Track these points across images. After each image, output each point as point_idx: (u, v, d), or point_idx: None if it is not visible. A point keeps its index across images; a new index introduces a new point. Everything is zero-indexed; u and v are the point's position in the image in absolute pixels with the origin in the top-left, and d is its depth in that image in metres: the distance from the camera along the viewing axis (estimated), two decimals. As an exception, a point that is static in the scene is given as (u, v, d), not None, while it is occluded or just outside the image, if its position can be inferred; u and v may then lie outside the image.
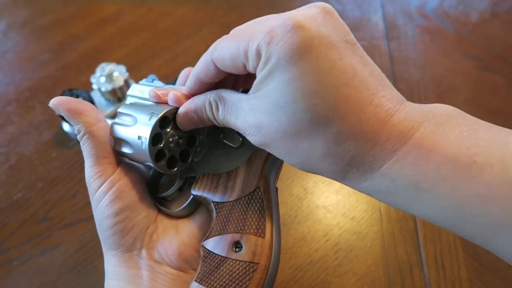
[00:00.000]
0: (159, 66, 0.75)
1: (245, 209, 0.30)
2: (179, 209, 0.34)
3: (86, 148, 0.32)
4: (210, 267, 0.29)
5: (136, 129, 0.31)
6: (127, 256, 0.32)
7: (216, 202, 0.31)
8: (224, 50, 0.26)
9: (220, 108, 0.28)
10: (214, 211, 0.31)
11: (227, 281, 0.28)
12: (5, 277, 0.50)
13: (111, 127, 0.33)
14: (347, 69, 0.23)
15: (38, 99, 0.71)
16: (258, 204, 0.30)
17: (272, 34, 0.23)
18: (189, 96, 0.32)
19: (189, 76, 0.30)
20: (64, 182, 0.59)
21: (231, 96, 0.28)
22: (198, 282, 0.29)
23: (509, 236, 0.21)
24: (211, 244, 0.30)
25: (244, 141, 0.32)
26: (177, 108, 0.32)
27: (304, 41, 0.22)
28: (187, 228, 0.34)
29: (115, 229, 0.32)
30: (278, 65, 0.23)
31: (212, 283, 0.28)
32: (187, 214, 0.35)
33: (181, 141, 0.33)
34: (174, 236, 0.34)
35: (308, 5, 0.25)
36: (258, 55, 0.23)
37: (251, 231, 0.29)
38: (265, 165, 0.31)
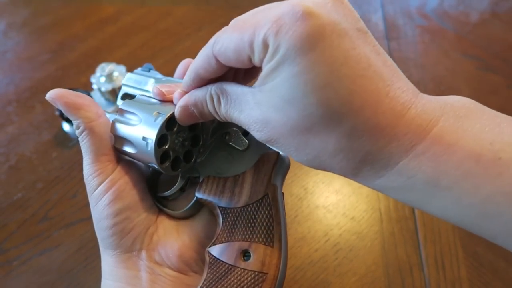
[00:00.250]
0: (159, 66, 0.75)
1: (253, 217, 0.29)
2: (182, 210, 0.33)
3: (85, 145, 0.31)
4: (217, 275, 0.28)
5: (141, 129, 0.29)
6: (125, 257, 0.31)
7: (222, 207, 0.30)
8: (227, 43, 0.24)
9: (222, 102, 0.26)
10: (220, 216, 0.30)
11: None
12: (5, 277, 0.50)
13: (112, 124, 0.31)
14: (361, 59, 0.21)
15: (38, 99, 0.71)
16: (266, 212, 0.29)
17: (280, 23, 0.21)
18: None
19: (186, 72, 0.29)
20: (64, 182, 0.59)
21: (234, 89, 0.26)
22: None
23: None
24: (217, 250, 0.29)
25: (250, 144, 0.32)
26: None
27: (315, 30, 0.20)
28: (189, 230, 0.33)
29: (114, 230, 0.31)
30: (287, 56, 0.21)
31: None
32: (189, 215, 0.34)
33: (186, 143, 0.32)
34: (176, 237, 0.33)
35: None
36: (265, 46, 0.22)
37: (260, 239, 0.28)
38: (273, 172, 0.30)
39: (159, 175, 0.37)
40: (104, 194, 0.31)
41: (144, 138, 0.29)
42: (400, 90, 0.22)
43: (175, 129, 0.31)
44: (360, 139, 0.22)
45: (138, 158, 0.31)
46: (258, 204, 0.29)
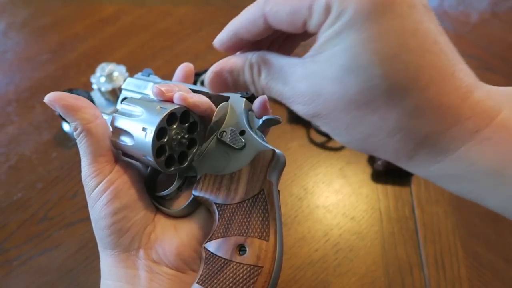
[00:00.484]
0: (159, 66, 0.75)
1: (248, 212, 0.29)
2: (179, 209, 0.34)
3: (83, 146, 0.31)
4: (213, 269, 0.28)
5: (142, 120, 0.30)
6: (124, 256, 0.32)
7: (218, 204, 0.31)
8: (282, 3, 0.22)
9: (263, 72, 0.25)
10: (217, 213, 0.31)
11: (230, 284, 0.27)
12: (5, 277, 0.50)
13: (113, 117, 0.32)
14: (429, 33, 0.20)
15: (38, 99, 0.71)
16: (262, 207, 0.29)
17: None
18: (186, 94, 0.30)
19: (223, 29, 0.26)
20: (64, 182, 0.59)
21: (279, 60, 0.24)
22: (201, 284, 0.28)
23: None
24: (213, 246, 0.29)
25: (247, 143, 0.32)
26: (185, 107, 0.31)
27: None
28: (187, 228, 0.34)
29: (112, 229, 0.31)
30: (353, 22, 0.19)
31: (215, 285, 0.28)
32: (187, 214, 0.35)
33: (183, 141, 0.32)
34: (173, 236, 0.33)
35: None
36: (328, 9, 0.20)
37: (255, 234, 0.28)
38: (268, 168, 0.31)
39: (157, 175, 0.37)
40: (102, 194, 0.31)
41: (144, 129, 0.30)
42: (463, 72, 0.21)
43: (175, 126, 0.31)
44: (422, 118, 0.20)
45: (134, 152, 0.31)
46: (254, 200, 0.30)
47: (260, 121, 0.33)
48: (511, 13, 0.83)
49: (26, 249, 0.52)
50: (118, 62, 0.65)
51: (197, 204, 0.34)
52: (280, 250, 0.29)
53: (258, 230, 0.29)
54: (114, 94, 0.63)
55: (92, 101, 0.63)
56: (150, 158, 0.30)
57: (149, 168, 0.36)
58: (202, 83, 0.67)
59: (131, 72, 0.66)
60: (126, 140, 0.31)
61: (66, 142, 0.63)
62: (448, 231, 0.51)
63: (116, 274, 0.31)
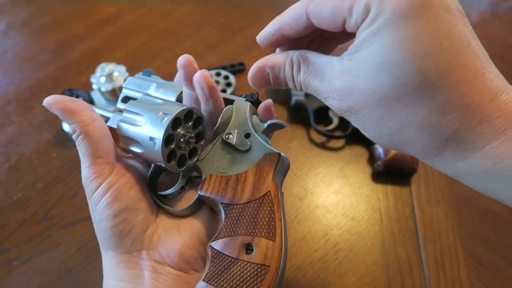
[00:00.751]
0: (159, 66, 0.75)
1: (255, 213, 0.30)
2: (183, 208, 0.34)
3: (81, 148, 0.31)
4: (220, 268, 0.29)
5: (147, 129, 0.30)
6: (126, 257, 0.32)
7: (225, 203, 0.31)
8: (324, 2, 0.23)
9: (302, 69, 0.26)
10: (223, 212, 0.31)
11: (238, 282, 0.28)
12: (5, 277, 0.50)
13: (118, 125, 0.32)
14: (462, 36, 0.21)
15: (38, 99, 0.71)
16: (268, 208, 0.30)
17: None
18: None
19: (267, 26, 0.28)
20: (64, 182, 0.59)
21: (318, 57, 0.26)
22: (207, 282, 0.29)
23: None
24: (220, 245, 0.30)
25: (252, 145, 0.33)
26: (188, 108, 0.32)
27: None
28: (189, 229, 0.34)
29: (113, 231, 0.31)
30: (390, 22, 0.21)
31: (221, 283, 0.28)
32: (190, 213, 0.35)
33: (191, 140, 0.33)
34: (176, 236, 0.33)
35: None
36: (367, 9, 0.21)
37: (262, 234, 0.29)
38: (275, 170, 0.31)
39: (159, 174, 0.37)
40: (102, 196, 0.31)
41: (151, 138, 0.30)
42: (494, 75, 0.22)
43: (180, 127, 0.32)
44: (450, 115, 0.21)
45: (145, 157, 0.32)
46: (261, 201, 0.30)
47: (265, 125, 0.34)
48: (511, 13, 0.83)
49: (26, 249, 0.52)
50: (118, 62, 0.65)
51: (200, 203, 0.35)
52: (285, 250, 0.30)
53: (265, 230, 0.29)
54: (114, 94, 0.63)
55: (92, 101, 0.63)
56: (163, 164, 0.31)
57: (151, 167, 0.36)
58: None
59: (131, 72, 0.66)
60: (135, 148, 0.32)
61: (66, 142, 0.63)
62: (448, 231, 0.51)
63: (119, 274, 0.32)
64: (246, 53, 0.75)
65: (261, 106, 0.35)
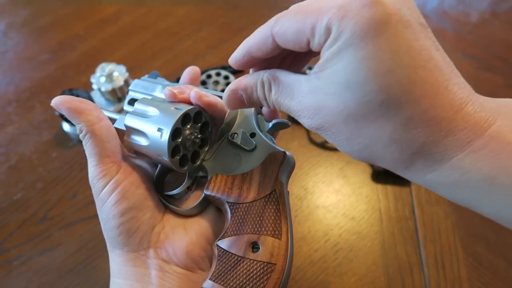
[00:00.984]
0: (159, 66, 0.75)
1: (261, 211, 0.30)
2: (190, 207, 0.34)
3: (88, 148, 0.32)
4: (226, 266, 0.29)
5: (157, 121, 0.31)
6: (133, 256, 0.32)
7: (231, 202, 0.31)
8: (288, 24, 0.24)
9: (273, 89, 0.27)
10: (229, 211, 0.31)
11: (244, 280, 0.28)
12: (5, 277, 0.50)
13: (126, 116, 0.33)
14: (423, 51, 0.21)
15: (38, 99, 0.71)
16: (274, 207, 0.30)
17: (347, 8, 0.21)
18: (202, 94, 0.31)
19: (237, 48, 0.28)
20: (64, 182, 0.59)
21: (287, 77, 0.26)
22: (213, 281, 0.29)
23: None
24: (226, 243, 0.30)
25: (257, 145, 0.33)
26: (198, 108, 0.32)
27: (382, 17, 0.21)
28: (196, 228, 0.34)
29: (121, 229, 0.31)
30: (351, 42, 0.21)
31: (228, 281, 0.28)
32: (196, 213, 0.35)
33: (196, 140, 0.33)
34: (183, 235, 0.34)
35: None
36: (328, 30, 0.22)
37: (268, 232, 0.29)
38: (280, 170, 0.32)
39: (166, 174, 0.38)
40: (110, 195, 0.31)
41: (159, 129, 0.30)
42: (458, 86, 0.22)
43: (189, 126, 0.32)
44: (416, 129, 0.22)
45: (149, 151, 0.32)
46: (266, 200, 0.31)
47: (270, 125, 0.34)
48: (511, 13, 0.83)
49: (26, 249, 0.52)
50: (118, 62, 0.65)
51: (206, 203, 0.35)
52: (291, 249, 0.30)
53: (271, 228, 0.30)
54: (114, 94, 0.63)
55: (92, 101, 0.63)
56: (166, 158, 0.31)
57: (158, 167, 0.36)
58: (202, 83, 0.67)
59: (131, 72, 0.66)
60: (140, 140, 0.32)
61: (66, 142, 0.63)
62: (448, 231, 0.51)
63: (126, 272, 0.32)
64: (246, 53, 0.75)
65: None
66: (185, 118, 0.32)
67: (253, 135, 0.34)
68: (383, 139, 0.23)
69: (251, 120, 0.34)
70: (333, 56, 0.22)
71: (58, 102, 0.31)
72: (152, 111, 0.32)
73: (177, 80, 0.40)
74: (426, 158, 0.23)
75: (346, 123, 0.23)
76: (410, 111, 0.21)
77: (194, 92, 0.32)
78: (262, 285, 0.28)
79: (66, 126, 0.64)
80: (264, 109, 0.35)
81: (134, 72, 0.69)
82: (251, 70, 0.30)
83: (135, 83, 0.38)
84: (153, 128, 0.31)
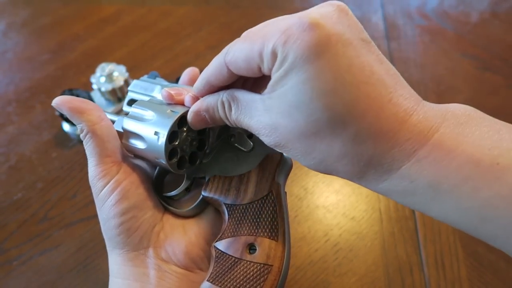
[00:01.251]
0: (159, 66, 0.75)
1: (258, 213, 0.30)
2: (188, 209, 0.34)
3: (89, 147, 0.32)
4: (223, 268, 0.29)
5: (153, 124, 0.31)
6: (133, 255, 0.32)
7: (228, 204, 0.31)
8: (238, 52, 0.25)
9: (233, 108, 0.28)
10: (226, 213, 0.31)
11: (241, 282, 0.28)
12: (5, 277, 0.50)
13: (124, 120, 0.33)
14: (364, 67, 0.22)
15: (38, 99, 0.71)
16: (271, 208, 0.30)
17: (288, 33, 0.22)
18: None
19: (198, 78, 0.30)
20: (64, 182, 0.59)
21: (245, 96, 0.27)
22: (211, 282, 0.29)
23: None
24: (223, 245, 0.30)
25: (255, 146, 0.33)
26: None
27: (321, 39, 0.22)
28: (195, 228, 0.34)
29: (121, 229, 0.31)
30: (295, 65, 0.22)
31: (225, 283, 0.28)
32: (195, 214, 0.35)
33: (194, 142, 0.33)
34: (182, 235, 0.34)
35: (322, 4, 0.24)
36: (274, 55, 0.23)
37: (265, 234, 0.29)
38: (277, 171, 0.32)
39: (165, 176, 0.38)
40: (110, 194, 0.31)
41: (156, 133, 0.30)
42: (403, 98, 0.23)
43: (185, 128, 0.32)
44: (364, 143, 0.23)
45: (146, 154, 0.32)
46: (263, 201, 0.31)
47: None
48: (511, 13, 0.83)
49: (26, 249, 0.52)
50: (118, 62, 0.65)
51: (205, 204, 0.35)
52: (289, 250, 0.30)
53: (267, 230, 0.30)
54: (114, 94, 0.63)
55: (92, 101, 0.63)
56: (163, 161, 0.31)
57: (157, 168, 0.36)
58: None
59: (131, 72, 0.66)
60: (138, 144, 0.32)
61: (66, 142, 0.63)
62: (448, 231, 0.51)
63: (125, 272, 0.32)
64: (246, 53, 0.75)
65: None
66: (181, 121, 0.31)
67: (251, 136, 0.34)
68: (334, 154, 0.24)
69: None
70: (280, 78, 0.23)
71: (59, 102, 0.32)
72: (149, 114, 0.32)
73: (177, 80, 0.40)
74: (377, 169, 0.24)
75: (299, 140, 0.24)
76: (356, 127, 0.22)
77: (188, 97, 0.32)
78: (258, 286, 0.28)
79: (66, 126, 0.64)
80: None
81: (134, 72, 0.69)
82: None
83: (134, 84, 0.38)
84: (150, 131, 0.31)
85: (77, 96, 0.61)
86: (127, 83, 0.64)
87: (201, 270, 0.34)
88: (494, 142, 0.22)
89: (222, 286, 0.28)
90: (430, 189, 0.22)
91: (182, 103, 0.33)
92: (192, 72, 0.40)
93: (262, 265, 0.28)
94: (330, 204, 0.55)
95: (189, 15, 0.86)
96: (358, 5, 0.86)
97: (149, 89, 0.37)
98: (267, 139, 0.26)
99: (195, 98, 0.32)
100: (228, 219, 0.31)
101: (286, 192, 0.33)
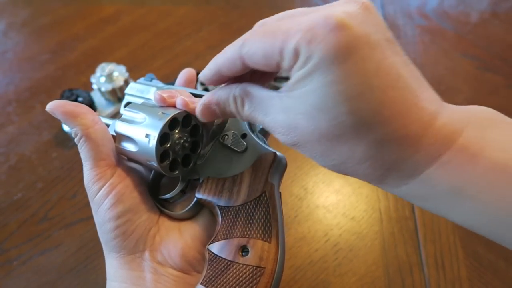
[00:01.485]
0: (159, 66, 0.75)
1: (251, 214, 0.30)
2: (183, 211, 0.34)
3: (83, 151, 0.32)
4: (217, 271, 0.29)
5: (145, 127, 0.31)
6: (129, 259, 0.32)
7: (221, 206, 0.31)
8: (255, 47, 0.24)
9: (246, 104, 0.27)
10: (220, 215, 0.31)
11: (234, 285, 0.28)
12: (5, 277, 0.50)
13: (116, 123, 0.32)
14: (391, 70, 0.22)
15: (38, 99, 0.71)
16: (264, 210, 0.30)
17: (313, 33, 0.21)
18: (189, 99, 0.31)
19: (207, 66, 0.29)
20: (64, 182, 0.59)
21: (259, 93, 0.26)
22: (204, 285, 0.29)
23: None
24: (216, 247, 0.30)
25: (248, 146, 0.33)
26: (187, 112, 0.32)
27: (348, 41, 0.21)
28: (190, 230, 0.34)
29: (116, 232, 0.31)
30: (319, 66, 0.21)
31: (218, 286, 0.28)
32: (190, 216, 0.35)
33: (186, 144, 0.33)
34: (178, 238, 0.33)
35: (345, 0, 0.23)
36: (296, 54, 0.22)
37: (258, 236, 0.29)
38: (270, 171, 0.31)
39: (161, 179, 0.38)
40: (105, 198, 0.31)
41: (147, 135, 0.30)
42: (427, 101, 0.22)
43: (177, 130, 0.32)
44: (387, 148, 0.22)
45: (138, 157, 0.32)
46: (256, 202, 0.30)
47: (261, 125, 0.33)
48: (511, 13, 0.83)
49: (26, 249, 0.52)
50: (118, 62, 0.65)
51: (200, 206, 0.35)
52: (282, 251, 0.29)
53: (260, 231, 0.29)
54: (114, 94, 0.63)
55: (92, 101, 0.63)
56: (155, 163, 0.31)
57: (153, 171, 0.36)
58: (202, 83, 0.67)
59: (131, 72, 0.66)
60: (130, 147, 0.32)
61: (66, 142, 0.63)
62: (448, 231, 0.51)
63: (122, 276, 0.32)
64: (246, 53, 0.75)
65: None
66: (173, 123, 0.31)
67: (244, 136, 0.33)
68: (356, 157, 0.23)
69: (242, 121, 0.34)
70: (302, 78, 0.22)
71: (53, 106, 0.31)
72: (140, 117, 0.32)
73: (175, 80, 0.40)
74: (399, 173, 0.23)
75: (320, 142, 0.24)
76: (381, 131, 0.22)
77: (180, 100, 0.32)
78: None
79: (66, 126, 0.64)
80: None
81: (134, 72, 0.69)
82: (223, 85, 0.30)
83: (130, 86, 0.38)
84: (141, 134, 0.31)
85: (77, 96, 0.61)
86: (127, 83, 0.64)
87: (198, 272, 0.33)
88: None
89: None
90: (453, 194, 0.22)
91: (174, 106, 0.32)
92: (188, 73, 0.39)
93: (254, 267, 0.28)
94: (330, 204, 0.55)
95: (189, 15, 0.86)
96: (358, 5, 0.86)
97: (145, 92, 0.37)
98: (283, 138, 0.25)
99: (187, 101, 0.32)
100: (222, 221, 0.31)
101: (280, 193, 0.32)
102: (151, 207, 0.34)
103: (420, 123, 0.22)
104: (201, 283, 0.29)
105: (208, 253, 0.30)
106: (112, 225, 0.31)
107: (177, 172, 0.33)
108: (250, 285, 0.27)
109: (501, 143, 0.21)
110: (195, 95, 0.35)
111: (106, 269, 0.33)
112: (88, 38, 0.82)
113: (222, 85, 0.29)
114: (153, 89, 0.37)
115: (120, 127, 0.32)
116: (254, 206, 0.30)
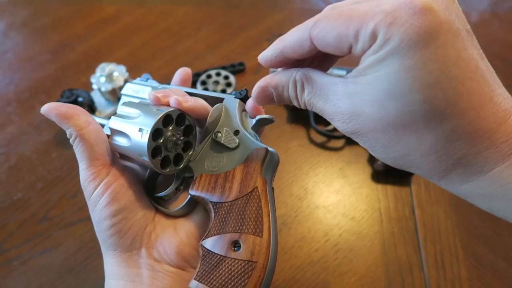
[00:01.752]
0: (159, 66, 0.75)
1: (243, 209, 0.30)
2: (177, 208, 0.35)
3: (78, 151, 0.32)
4: (209, 266, 0.29)
5: (138, 122, 0.31)
6: (126, 256, 0.33)
7: (214, 202, 0.31)
8: (328, 28, 0.23)
9: (306, 89, 0.26)
10: (213, 211, 0.31)
11: (226, 279, 0.28)
12: (5, 277, 0.50)
13: (110, 119, 0.33)
14: (471, 61, 0.21)
15: (38, 99, 0.71)
16: (255, 205, 0.30)
17: (396, 15, 0.20)
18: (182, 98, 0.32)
19: (269, 47, 0.27)
20: (64, 182, 0.59)
21: (321, 78, 0.25)
22: (198, 281, 0.29)
23: None
24: (209, 243, 0.30)
25: (240, 143, 0.33)
26: (181, 110, 0.33)
27: (432, 26, 0.20)
28: (186, 227, 0.34)
29: (113, 230, 0.32)
30: (398, 50, 0.20)
31: (211, 281, 0.29)
32: (185, 213, 0.35)
33: (179, 142, 0.33)
34: (173, 235, 0.34)
35: None
36: (373, 36, 0.21)
37: (249, 230, 0.29)
38: (262, 167, 0.31)
39: (156, 177, 0.38)
40: (100, 197, 0.32)
41: (140, 129, 0.31)
42: (502, 97, 0.22)
43: (171, 127, 0.32)
44: (458, 141, 0.21)
45: (130, 152, 0.32)
46: (248, 198, 0.30)
47: (254, 121, 0.34)
48: (511, 13, 0.83)
49: (26, 249, 0.52)
50: (118, 62, 0.65)
51: (194, 203, 0.35)
52: (275, 246, 0.30)
53: (252, 226, 0.29)
54: (114, 94, 0.63)
55: (92, 101, 0.63)
56: (146, 158, 0.31)
57: (148, 170, 0.37)
58: (202, 83, 0.67)
59: (131, 72, 0.66)
60: (122, 141, 0.32)
61: (66, 142, 0.63)
62: (448, 231, 0.51)
63: (119, 273, 0.32)
64: (246, 53, 0.75)
65: (248, 102, 0.34)
66: (167, 120, 0.32)
67: (237, 132, 0.33)
68: (423, 149, 0.22)
69: (235, 117, 0.34)
70: (376, 62, 0.21)
71: (47, 109, 0.32)
72: (134, 112, 0.32)
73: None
74: (465, 169, 0.22)
75: (385, 131, 0.23)
76: (454, 123, 0.21)
77: (173, 99, 0.32)
78: (243, 283, 0.28)
79: (66, 126, 0.64)
80: (248, 106, 0.35)
81: (134, 72, 0.69)
82: (281, 69, 0.29)
83: (126, 87, 0.39)
84: (134, 128, 0.31)
85: (77, 96, 0.61)
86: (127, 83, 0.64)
87: (194, 268, 0.34)
88: None
89: (209, 284, 0.28)
90: None
91: (169, 105, 0.33)
92: (184, 72, 0.40)
93: (246, 262, 0.28)
94: (330, 204, 0.55)
95: (189, 15, 0.86)
96: (358, 5, 0.86)
97: (141, 92, 0.38)
98: (343, 126, 0.24)
99: (181, 100, 0.32)
100: (214, 217, 0.31)
101: (273, 188, 0.32)
102: (146, 205, 0.35)
103: (494, 118, 0.21)
104: (194, 278, 0.29)
105: (202, 249, 0.30)
106: (108, 223, 0.32)
107: (168, 169, 0.33)
108: (242, 279, 0.28)
109: None
110: (191, 94, 0.35)
111: (104, 267, 0.33)
112: (88, 38, 0.82)
113: (279, 69, 0.28)
114: (148, 89, 0.37)
115: (114, 123, 0.33)
116: (246, 202, 0.30)
